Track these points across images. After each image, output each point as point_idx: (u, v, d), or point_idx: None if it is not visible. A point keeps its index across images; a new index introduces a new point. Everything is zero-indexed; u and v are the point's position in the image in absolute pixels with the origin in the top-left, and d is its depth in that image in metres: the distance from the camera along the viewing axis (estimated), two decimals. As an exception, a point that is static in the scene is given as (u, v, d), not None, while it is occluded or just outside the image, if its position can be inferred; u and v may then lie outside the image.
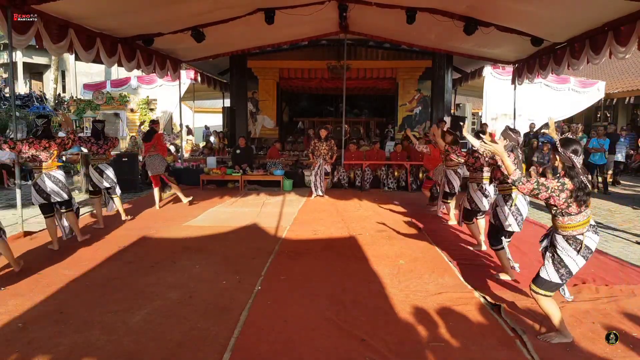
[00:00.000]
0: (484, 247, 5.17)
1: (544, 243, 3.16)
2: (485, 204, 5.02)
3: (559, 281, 2.95)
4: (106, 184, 6.34)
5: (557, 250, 2.97)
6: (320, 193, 8.99)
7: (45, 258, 4.84)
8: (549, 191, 2.82)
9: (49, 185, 5.09)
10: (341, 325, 3.25)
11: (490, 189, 5.06)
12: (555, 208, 2.91)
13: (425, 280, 4.20)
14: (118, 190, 6.55)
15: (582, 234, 2.89)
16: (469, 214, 5.16)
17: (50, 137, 5.16)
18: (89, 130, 12.02)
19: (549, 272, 2.97)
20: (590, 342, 2.98)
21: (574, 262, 2.91)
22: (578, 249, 2.89)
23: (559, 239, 2.97)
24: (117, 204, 6.66)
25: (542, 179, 2.85)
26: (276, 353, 2.88)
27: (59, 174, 5.20)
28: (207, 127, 20.05)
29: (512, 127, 4.62)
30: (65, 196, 5.22)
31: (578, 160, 2.84)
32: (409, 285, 4.06)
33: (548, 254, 3.05)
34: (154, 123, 7.96)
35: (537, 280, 3.02)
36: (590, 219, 2.92)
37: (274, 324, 3.28)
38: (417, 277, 4.30)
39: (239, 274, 4.35)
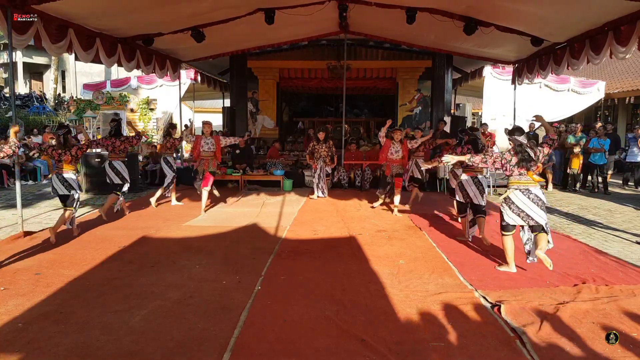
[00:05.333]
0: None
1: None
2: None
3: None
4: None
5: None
6: (322, 194, 8.99)
7: (45, 258, 4.84)
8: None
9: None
10: (341, 325, 3.25)
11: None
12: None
13: (425, 280, 4.21)
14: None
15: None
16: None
17: (120, 135, 7.04)
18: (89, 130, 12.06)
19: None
20: (590, 342, 2.98)
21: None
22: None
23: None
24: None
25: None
26: (276, 353, 2.88)
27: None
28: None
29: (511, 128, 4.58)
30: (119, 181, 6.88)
31: (523, 138, 4.25)
32: (409, 285, 4.07)
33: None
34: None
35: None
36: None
37: (274, 324, 3.28)
38: (417, 277, 4.30)
39: (239, 274, 4.35)
